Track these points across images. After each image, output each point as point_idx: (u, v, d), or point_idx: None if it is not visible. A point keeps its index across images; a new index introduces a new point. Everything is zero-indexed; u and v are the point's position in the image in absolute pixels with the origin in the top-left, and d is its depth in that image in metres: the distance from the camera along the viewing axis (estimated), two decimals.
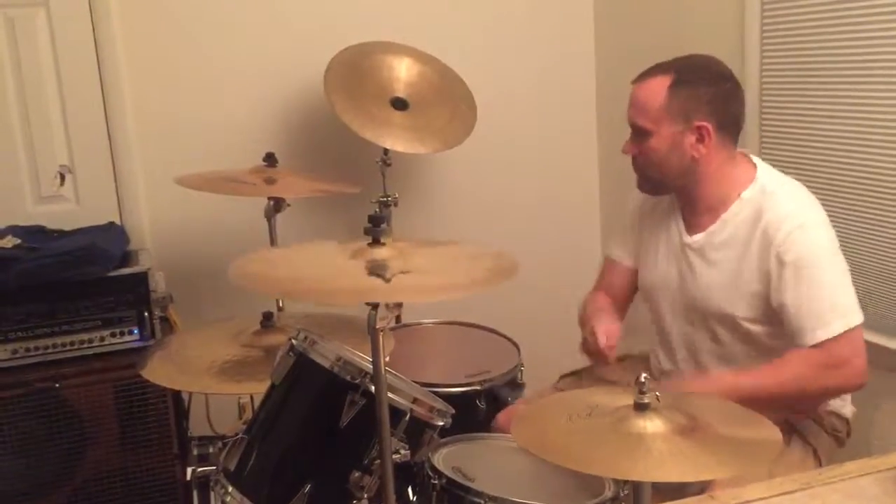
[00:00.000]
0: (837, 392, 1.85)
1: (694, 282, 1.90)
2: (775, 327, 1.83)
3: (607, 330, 1.87)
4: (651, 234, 2.03)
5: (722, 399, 1.50)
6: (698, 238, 1.89)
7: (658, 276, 1.99)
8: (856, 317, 1.74)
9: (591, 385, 2.13)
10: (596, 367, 2.07)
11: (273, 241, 2.46)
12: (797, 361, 1.75)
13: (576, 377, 2.22)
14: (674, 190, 1.93)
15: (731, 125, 1.85)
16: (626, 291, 2.14)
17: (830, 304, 1.73)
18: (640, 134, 1.86)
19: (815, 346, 1.73)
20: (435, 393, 1.85)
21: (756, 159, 1.91)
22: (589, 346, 1.91)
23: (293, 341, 1.65)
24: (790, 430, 1.86)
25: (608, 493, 1.56)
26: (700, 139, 1.81)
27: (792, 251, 1.74)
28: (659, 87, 1.82)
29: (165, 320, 2.48)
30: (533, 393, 2.24)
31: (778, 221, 1.76)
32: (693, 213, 1.92)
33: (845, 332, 1.72)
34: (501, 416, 2.09)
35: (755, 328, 1.84)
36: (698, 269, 1.89)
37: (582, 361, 2.28)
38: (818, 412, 1.92)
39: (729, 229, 1.84)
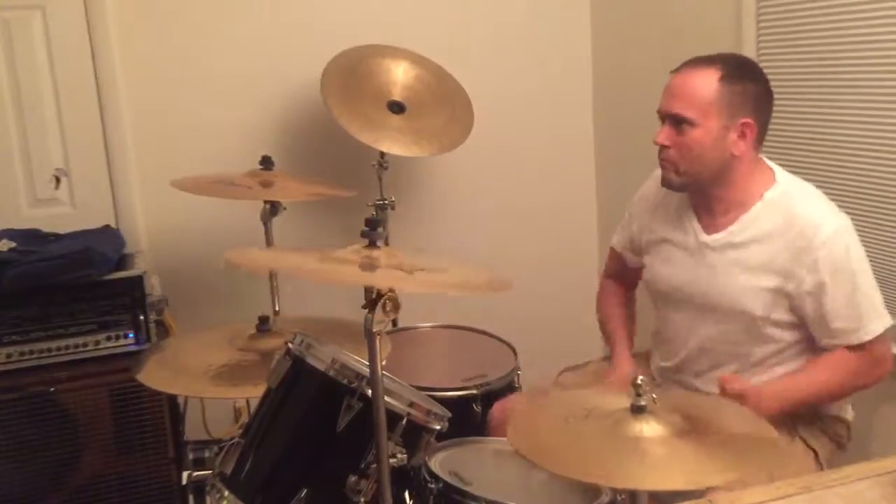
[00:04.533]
0: (868, 388, 1.87)
1: (713, 281, 1.89)
2: (792, 330, 1.84)
3: (619, 377, 2.00)
4: (660, 234, 2.01)
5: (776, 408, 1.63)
6: (719, 237, 1.88)
7: (672, 275, 1.98)
8: (888, 317, 1.80)
9: (591, 379, 2.13)
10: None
11: (269, 245, 2.45)
12: (842, 363, 1.80)
13: (577, 371, 2.21)
14: (701, 187, 1.88)
15: (766, 125, 1.86)
16: (633, 276, 2.19)
17: (870, 306, 1.79)
18: (680, 124, 1.81)
19: (857, 347, 1.78)
20: (432, 397, 1.85)
21: (770, 162, 1.91)
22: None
23: (290, 345, 1.65)
24: (792, 433, 1.86)
25: (605, 498, 1.55)
26: (742, 136, 1.81)
27: (831, 257, 1.76)
28: (708, 79, 1.79)
29: (161, 324, 2.47)
30: (532, 386, 2.23)
31: (813, 227, 1.77)
32: (710, 214, 1.91)
33: (884, 331, 1.78)
34: (497, 409, 2.08)
35: (772, 330, 1.84)
36: (719, 269, 1.88)
37: (582, 356, 2.29)
38: (820, 416, 1.92)
39: (752, 230, 1.84)
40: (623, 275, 2.22)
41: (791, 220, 1.79)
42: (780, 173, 1.88)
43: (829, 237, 1.76)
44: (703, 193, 1.90)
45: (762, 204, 1.84)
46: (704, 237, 1.91)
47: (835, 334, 1.79)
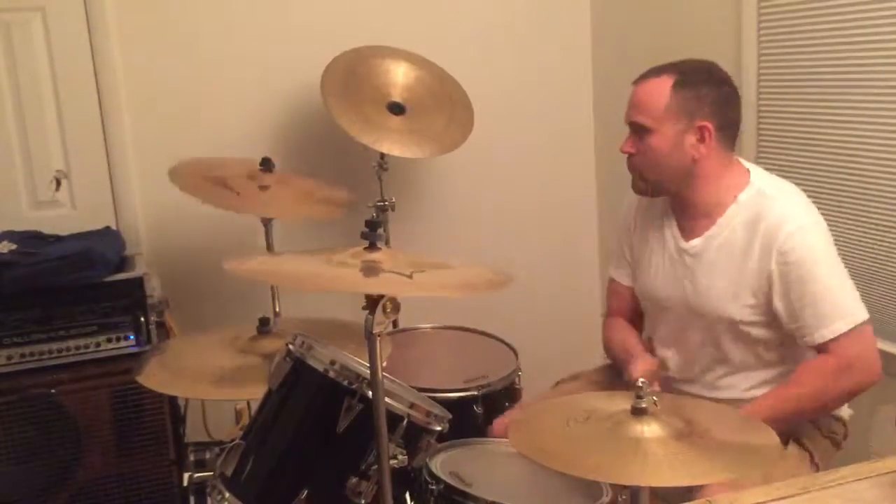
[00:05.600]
0: (857, 392, 1.84)
1: (694, 287, 1.90)
2: (774, 330, 1.84)
3: (644, 372, 1.86)
4: (644, 242, 2.03)
5: None
6: (696, 243, 1.90)
7: (655, 282, 1.99)
8: (860, 314, 1.77)
9: (589, 389, 2.13)
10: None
11: (269, 246, 2.45)
12: (810, 375, 1.79)
13: (573, 381, 2.22)
14: (669, 192, 1.93)
15: (729, 128, 1.87)
16: (638, 309, 2.14)
17: (833, 304, 1.76)
18: (640, 132, 1.87)
19: (822, 351, 1.77)
20: (432, 398, 1.85)
21: (748, 164, 1.93)
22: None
23: (290, 346, 1.65)
24: (787, 434, 1.86)
25: (606, 499, 1.56)
26: (701, 139, 1.83)
27: (794, 252, 1.76)
28: (662, 87, 1.84)
29: (162, 326, 2.46)
30: (530, 399, 2.23)
31: (778, 223, 1.77)
32: (688, 218, 1.92)
33: (850, 330, 1.75)
34: (497, 424, 2.08)
35: (755, 331, 1.85)
36: (698, 274, 1.89)
37: (578, 365, 2.29)
38: None
39: (726, 232, 1.85)
40: (629, 309, 2.14)
41: (760, 218, 1.80)
42: (756, 173, 1.89)
43: (793, 233, 1.76)
44: (678, 198, 1.92)
45: (736, 206, 1.85)
46: (683, 244, 1.92)
47: (801, 332, 1.78)
